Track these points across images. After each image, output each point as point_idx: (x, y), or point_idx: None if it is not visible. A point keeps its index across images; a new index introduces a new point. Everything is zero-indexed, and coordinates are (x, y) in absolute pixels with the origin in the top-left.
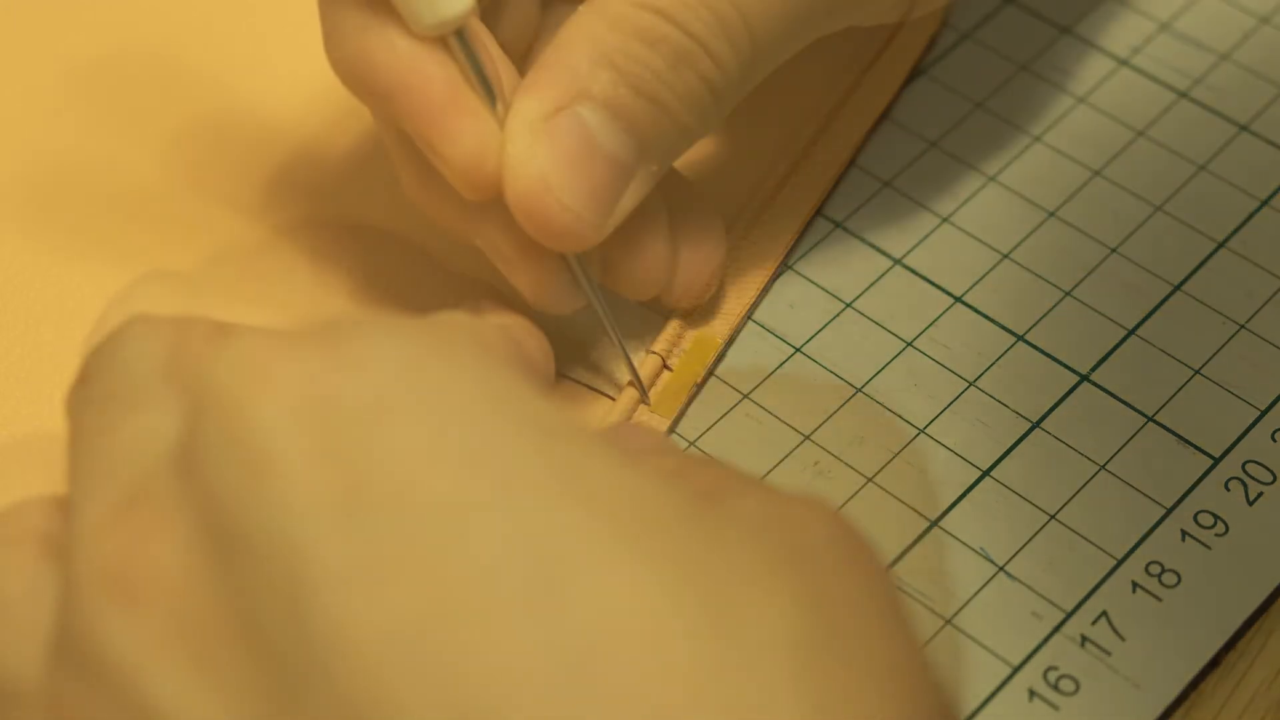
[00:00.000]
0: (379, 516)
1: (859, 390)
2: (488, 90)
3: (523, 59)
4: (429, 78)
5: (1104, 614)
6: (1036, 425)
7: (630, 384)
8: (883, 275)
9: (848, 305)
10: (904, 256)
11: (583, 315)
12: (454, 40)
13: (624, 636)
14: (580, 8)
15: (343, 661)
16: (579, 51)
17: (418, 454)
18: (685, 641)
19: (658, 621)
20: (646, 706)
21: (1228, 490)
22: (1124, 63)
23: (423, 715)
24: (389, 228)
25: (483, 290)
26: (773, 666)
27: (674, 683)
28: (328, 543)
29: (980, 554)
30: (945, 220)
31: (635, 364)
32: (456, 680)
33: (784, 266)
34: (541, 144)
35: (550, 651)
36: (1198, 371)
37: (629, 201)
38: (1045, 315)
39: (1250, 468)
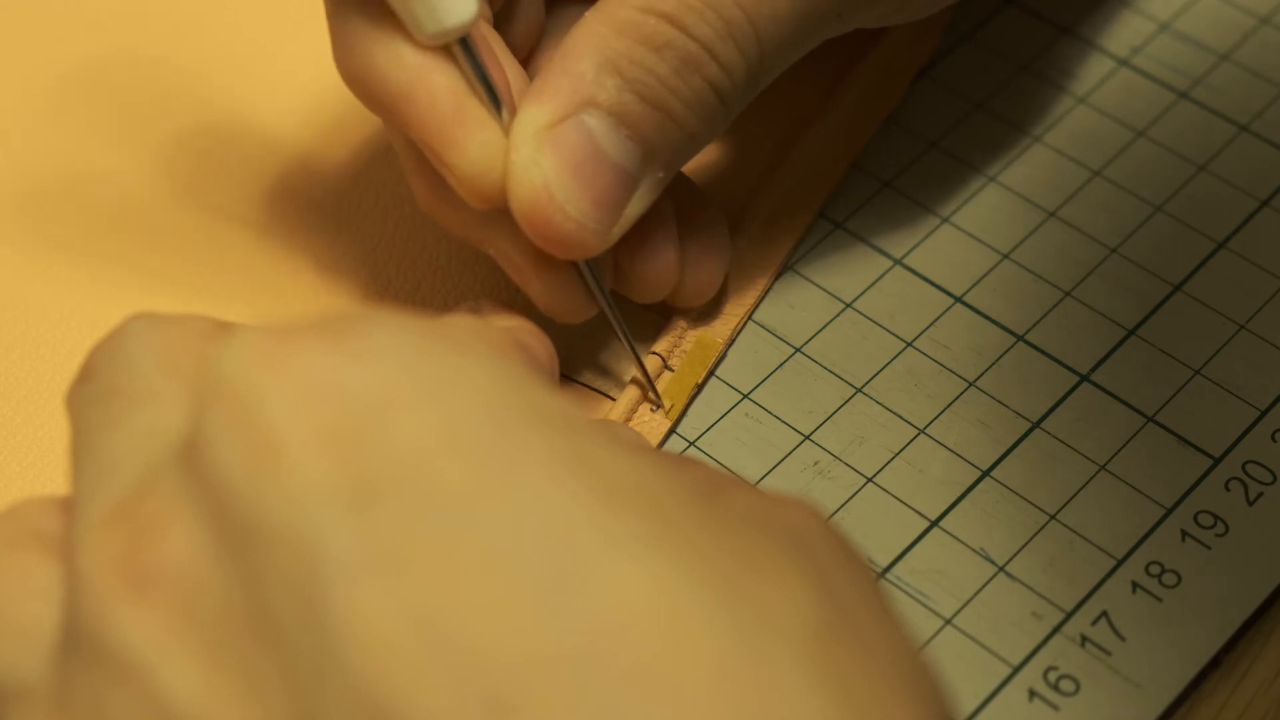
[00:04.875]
0: (391, 505)
1: (859, 390)
2: (493, 98)
3: (527, 63)
4: (434, 87)
5: (1104, 614)
6: (1036, 425)
7: (633, 382)
8: (883, 275)
9: (848, 305)
10: (904, 256)
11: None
12: (458, 49)
13: (642, 623)
14: (587, 13)
15: (357, 651)
16: (585, 58)
17: (428, 442)
18: (704, 627)
19: (675, 607)
20: (668, 693)
21: (1228, 490)
22: (1124, 63)
23: (439, 705)
24: (389, 236)
25: (484, 295)
26: (791, 651)
27: (695, 668)
28: (339, 532)
29: (980, 554)
30: (945, 220)
31: (647, 370)
32: (473, 669)
33: (784, 267)
34: (545, 152)
35: (568, 638)
36: (1198, 372)
37: (635, 209)
38: (1045, 315)
39: (1250, 468)
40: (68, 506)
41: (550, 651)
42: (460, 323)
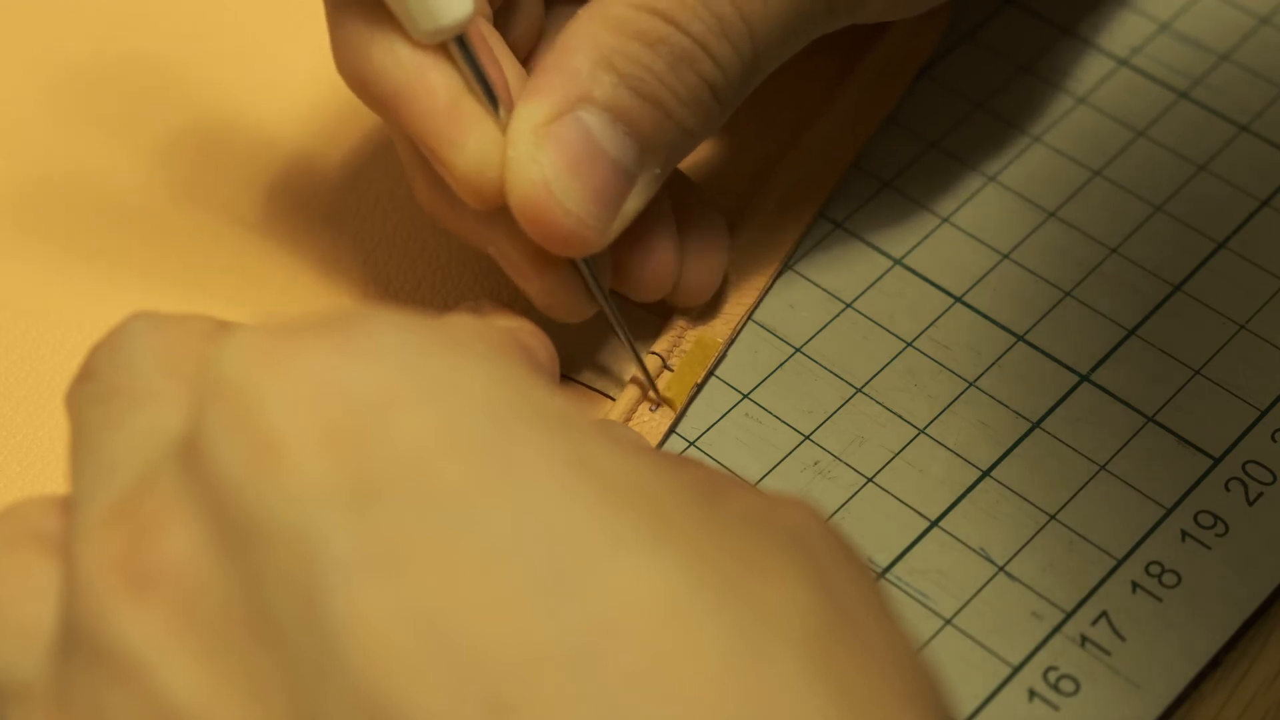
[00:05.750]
0: (390, 505)
1: (859, 390)
2: (490, 96)
3: (527, 62)
4: (432, 86)
5: (1104, 614)
6: (1036, 425)
7: (632, 381)
8: (883, 275)
9: (848, 305)
10: (904, 256)
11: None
12: (454, 47)
13: (642, 621)
14: (581, 11)
15: (356, 651)
16: (580, 54)
17: (427, 441)
18: (704, 625)
19: (675, 606)
20: (668, 691)
21: (1228, 490)
22: (1124, 63)
23: (439, 704)
24: (389, 236)
25: (484, 295)
26: (791, 650)
27: (695, 667)
28: (339, 531)
29: (980, 554)
30: (945, 220)
31: (648, 369)
32: (474, 668)
33: (784, 267)
34: (544, 149)
35: (567, 636)
36: (1198, 372)
37: (634, 205)
38: (1045, 315)
39: (1250, 468)
40: (67, 506)
41: (550, 651)
42: (461, 323)
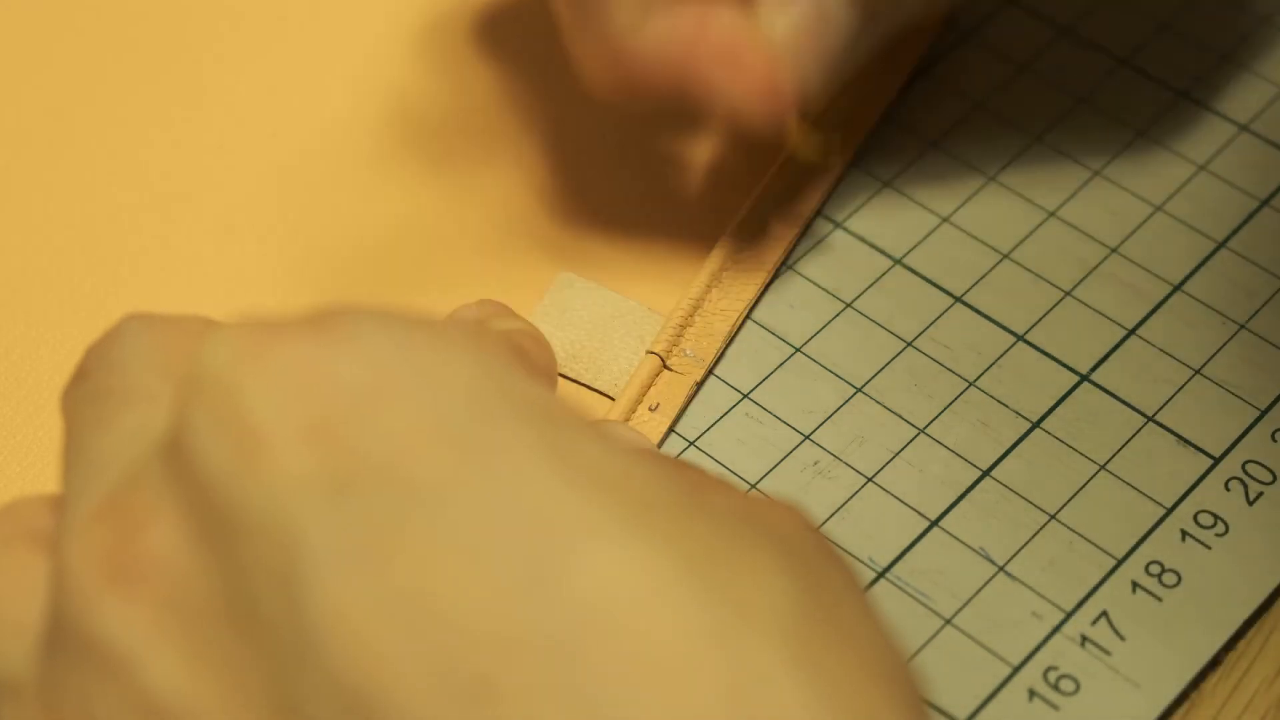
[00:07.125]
0: (370, 495)
1: (859, 390)
2: None
3: None
4: None
5: (1104, 614)
6: (1036, 425)
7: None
8: (883, 275)
9: (848, 305)
10: (904, 256)
11: (583, 315)
12: None
13: (620, 609)
14: None
15: (335, 641)
16: None
17: (408, 433)
18: (683, 613)
19: (654, 595)
20: (647, 677)
21: (1228, 490)
22: (1124, 63)
23: (418, 692)
24: (389, 236)
25: (486, 296)
26: (771, 639)
27: (674, 653)
28: (319, 522)
29: (980, 554)
30: (945, 220)
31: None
32: (452, 656)
33: (784, 266)
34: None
35: (546, 623)
36: (1198, 371)
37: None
38: (1045, 315)
39: (1250, 468)
40: (60, 505)
41: (529, 638)
42: (451, 320)
